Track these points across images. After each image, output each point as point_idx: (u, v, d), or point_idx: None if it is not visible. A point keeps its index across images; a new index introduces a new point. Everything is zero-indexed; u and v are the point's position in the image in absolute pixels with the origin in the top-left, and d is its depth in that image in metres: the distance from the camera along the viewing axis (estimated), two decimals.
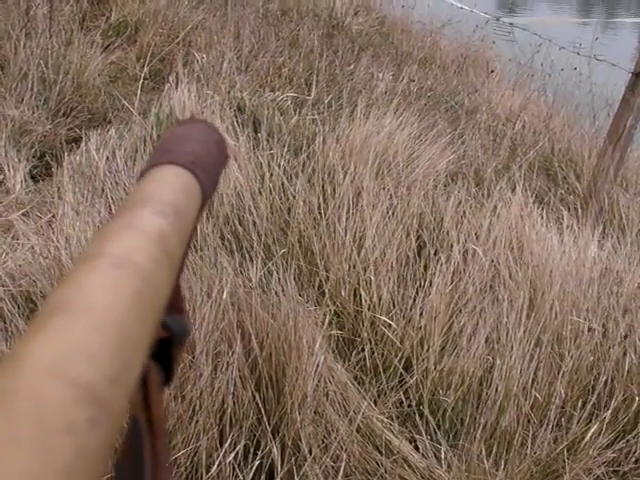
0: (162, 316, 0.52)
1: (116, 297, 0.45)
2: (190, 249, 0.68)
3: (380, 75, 6.88)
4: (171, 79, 5.45)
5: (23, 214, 3.90)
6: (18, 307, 3.09)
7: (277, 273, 3.39)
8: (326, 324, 3.37)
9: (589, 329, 3.60)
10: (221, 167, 0.76)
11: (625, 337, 3.62)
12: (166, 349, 0.64)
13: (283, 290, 3.23)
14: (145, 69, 5.74)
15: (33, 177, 4.46)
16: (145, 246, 0.52)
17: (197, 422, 2.66)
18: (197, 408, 2.69)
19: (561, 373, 3.38)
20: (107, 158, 4.48)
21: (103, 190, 4.17)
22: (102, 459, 0.38)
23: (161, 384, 0.63)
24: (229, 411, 2.75)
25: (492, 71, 8.31)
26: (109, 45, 6.37)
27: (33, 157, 4.60)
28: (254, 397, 2.85)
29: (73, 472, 0.35)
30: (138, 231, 0.53)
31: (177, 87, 5.30)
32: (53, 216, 3.86)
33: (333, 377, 3.11)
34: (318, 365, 2.99)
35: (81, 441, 0.36)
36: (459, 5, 8.77)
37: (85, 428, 0.37)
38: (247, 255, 3.71)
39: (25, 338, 0.41)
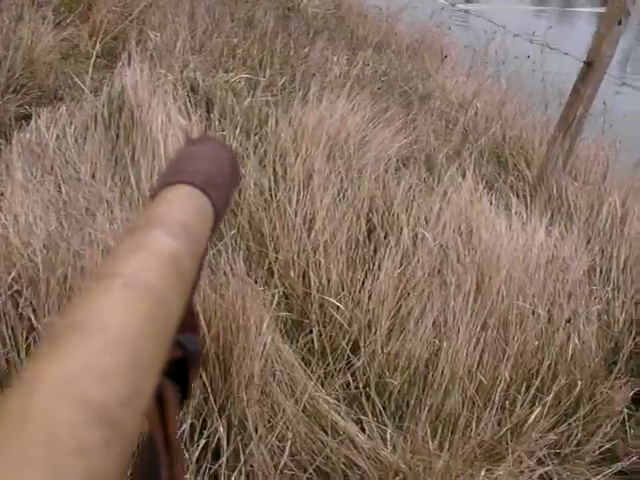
0: (174, 336, 0.52)
1: (128, 318, 0.46)
2: (203, 269, 0.68)
3: (335, 59, 6.87)
4: (124, 57, 5.41)
5: None
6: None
7: (226, 253, 3.39)
8: (274, 305, 3.38)
9: (533, 313, 3.65)
10: (234, 186, 0.77)
11: (568, 321, 3.67)
12: (181, 368, 0.65)
13: (232, 270, 3.23)
14: (97, 47, 5.68)
15: None
16: (157, 267, 0.52)
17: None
18: None
19: (506, 357, 3.42)
20: (57, 136, 4.44)
21: (52, 168, 4.13)
22: (114, 479, 0.38)
23: (177, 403, 0.64)
24: None
25: (445, 56, 8.33)
26: (61, 21, 6.29)
27: None
28: (201, 376, 2.85)
29: None
30: (150, 252, 0.53)
31: (130, 65, 5.25)
32: (2, 194, 3.82)
33: (280, 357, 3.13)
34: (265, 345, 3.00)
35: (93, 462, 0.36)
36: None
37: (97, 449, 0.37)
38: None
39: (38, 358, 0.41)
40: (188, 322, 0.63)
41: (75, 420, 0.37)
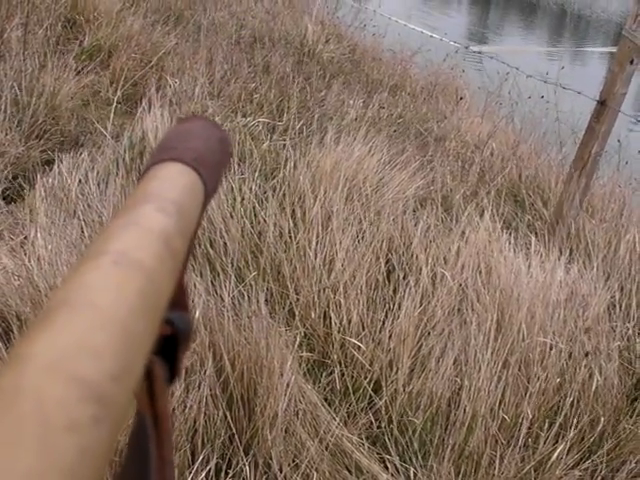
0: (165, 313, 0.52)
1: (119, 294, 0.46)
2: (194, 246, 0.69)
3: (351, 102, 6.93)
4: (144, 103, 5.48)
5: None
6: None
7: (248, 295, 3.42)
8: (296, 346, 3.40)
9: (551, 348, 3.66)
10: (224, 164, 0.76)
11: (587, 355, 3.68)
12: (171, 346, 0.64)
13: (255, 311, 3.26)
14: (118, 93, 5.77)
15: (5, 199, 4.45)
16: (148, 243, 0.52)
17: (173, 428, 2.68)
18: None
19: (528, 394, 3.43)
20: (79, 181, 4.50)
21: (75, 212, 4.18)
22: (105, 456, 0.38)
23: (166, 380, 0.63)
24: (201, 429, 2.77)
25: (461, 98, 8.40)
26: (82, 69, 6.36)
27: (5, 179, 4.58)
28: (225, 416, 2.87)
29: (76, 470, 0.36)
30: (141, 228, 0.53)
31: (150, 111, 5.32)
32: (25, 237, 3.87)
33: (303, 397, 3.14)
34: (289, 385, 3.02)
35: (84, 439, 0.37)
36: (429, 34, 8.85)
37: (88, 426, 0.37)
38: (219, 276, 3.73)
39: (28, 335, 0.41)
40: (178, 299, 0.64)
41: (66, 396, 0.37)
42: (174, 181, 0.63)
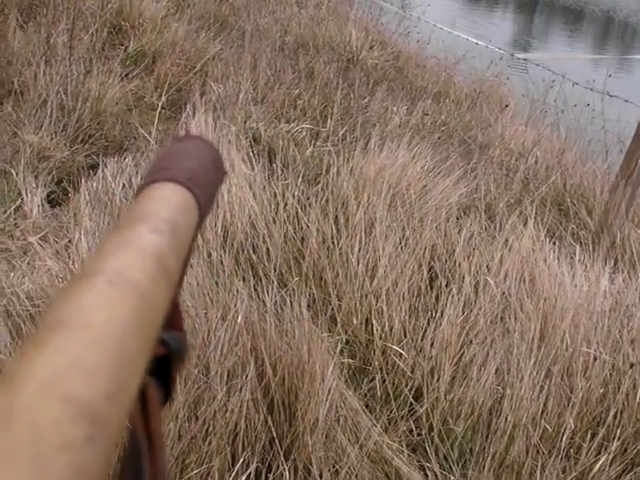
0: (159, 333, 0.52)
1: (113, 314, 0.46)
2: (188, 267, 0.68)
3: (394, 108, 6.93)
4: (188, 108, 5.51)
5: (40, 238, 3.94)
6: (36, 327, 3.12)
7: (291, 300, 3.42)
8: (338, 352, 3.40)
9: (595, 359, 3.62)
10: (218, 184, 0.77)
11: (631, 366, 3.64)
12: (165, 366, 0.65)
13: (297, 317, 3.26)
14: (162, 98, 5.80)
15: (50, 202, 4.50)
16: (142, 263, 0.52)
17: (210, 443, 2.69)
18: (210, 429, 2.72)
19: (571, 404, 3.40)
20: (123, 185, 4.53)
21: (119, 217, 4.21)
22: (99, 476, 0.38)
23: (160, 401, 0.64)
24: (241, 433, 2.78)
25: (506, 106, 8.36)
26: (127, 74, 6.41)
27: (51, 182, 4.63)
28: (266, 420, 2.87)
29: None
30: (135, 248, 0.53)
31: (194, 116, 5.35)
32: (69, 240, 3.90)
33: (344, 403, 3.14)
34: (330, 390, 3.01)
35: (78, 458, 0.37)
36: (474, 41, 8.82)
37: (82, 445, 0.37)
38: (261, 282, 3.74)
39: (22, 355, 0.41)
40: (173, 320, 0.64)
41: (60, 416, 0.37)
42: (168, 201, 0.64)
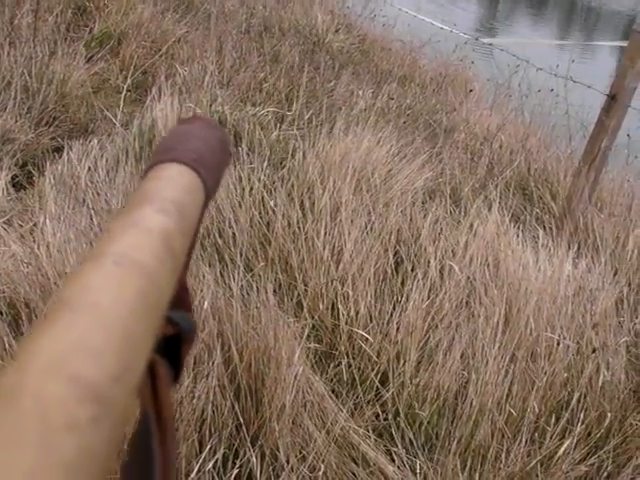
0: (166, 313, 0.53)
1: (120, 295, 0.46)
2: (195, 247, 0.69)
3: (360, 92, 6.92)
4: (154, 91, 5.48)
5: (4, 222, 3.91)
6: (1, 313, 3.10)
7: (257, 285, 3.42)
8: (304, 337, 3.40)
9: (558, 344, 3.65)
10: (224, 165, 0.77)
11: (594, 351, 3.67)
12: (174, 345, 0.65)
13: (263, 302, 3.26)
14: (128, 81, 5.77)
15: (15, 185, 4.46)
16: (149, 244, 0.52)
17: (177, 429, 2.69)
18: (177, 415, 2.71)
19: (535, 388, 3.42)
20: (89, 168, 4.50)
21: (84, 200, 4.18)
22: (105, 456, 0.39)
23: (170, 380, 0.64)
24: (208, 419, 2.78)
25: (470, 90, 8.39)
26: (92, 56, 6.36)
27: (15, 165, 4.59)
28: (233, 406, 2.87)
29: (76, 469, 0.36)
30: (142, 229, 0.54)
31: (159, 99, 5.32)
32: (34, 224, 3.87)
33: (311, 388, 3.14)
34: (296, 376, 3.02)
35: (84, 439, 0.37)
36: (439, 25, 8.83)
37: (88, 426, 0.38)
38: (227, 267, 3.73)
39: (31, 336, 0.42)
40: (181, 299, 0.64)
41: (66, 396, 0.38)
42: (174, 182, 0.64)
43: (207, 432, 2.77)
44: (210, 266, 3.70)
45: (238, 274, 3.49)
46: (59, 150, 4.87)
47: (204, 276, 3.41)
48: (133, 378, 0.44)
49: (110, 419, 0.39)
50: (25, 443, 0.35)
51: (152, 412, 0.62)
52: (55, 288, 3.13)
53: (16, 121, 4.98)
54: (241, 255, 3.81)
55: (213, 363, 2.90)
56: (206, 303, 3.11)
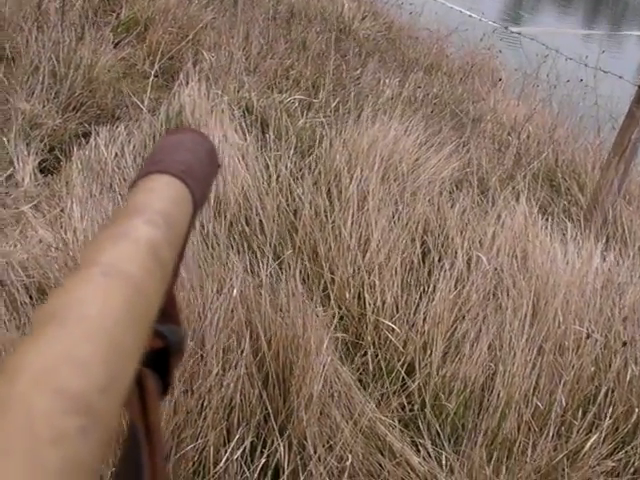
0: (154, 325, 0.53)
1: (107, 306, 0.46)
2: (183, 259, 0.68)
3: (387, 80, 6.90)
4: (181, 77, 5.47)
5: (32, 207, 3.92)
6: (30, 297, 3.11)
7: (286, 274, 3.41)
8: (332, 327, 3.40)
9: (588, 336, 3.63)
10: (212, 176, 0.77)
11: (624, 344, 3.65)
12: (163, 359, 0.65)
13: (292, 291, 3.25)
14: (155, 66, 5.77)
15: (42, 170, 4.47)
16: (136, 255, 0.52)
17: (205, 417, 2.69)
18: (206, 403, 2.71)
19: (562, 382, 3.40)
20: (115, 154, 4.50)
21: (111, 185, 4.19)
22: (93, 467, 0.39)
23: (159, 393, 0.64)
24: (237, 408, 2.78)
25: (499, 80, 8.34)
26: (119, 41, 6.37)
27: (42, 151, 4.60)
28: (261, 395, 2.87)
29: None
30: (129, 240, 0.54)
31: (187, 85, 5.32)
32: (62, 210, 3.88)
33: (339, 378, 3.14)
34: (324, 366, 3.01)
35: (71, 451, 0.37)
36: (468, 13, 8.78)
37: (75, 438, 0.37)
38: (255, 255, 3.73)
39: (19, 348, 0.41)
40: (169, 312, 0.64)
41: (53, 408, 0.38)
42: (162, 193, 0.64)
43: (235, 421, 2.77)
44: (238, 253, 3.69)
45: (267, 262, 3.48)
46: (86, 135, 4.88)
47: (233, 264, 3.41)
48: (121, 389, 0.44)
49: (97, 430, 0.39)
50: (12, 455, 0.35)
51: (141, 425, 0.62)
52: None
53: (44, 106, 4.99)
54: (270, 244, 3.80)
55: (242, 352, 2.90)
56: (235, 291, 3.11)
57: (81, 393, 0.39)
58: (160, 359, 0.64)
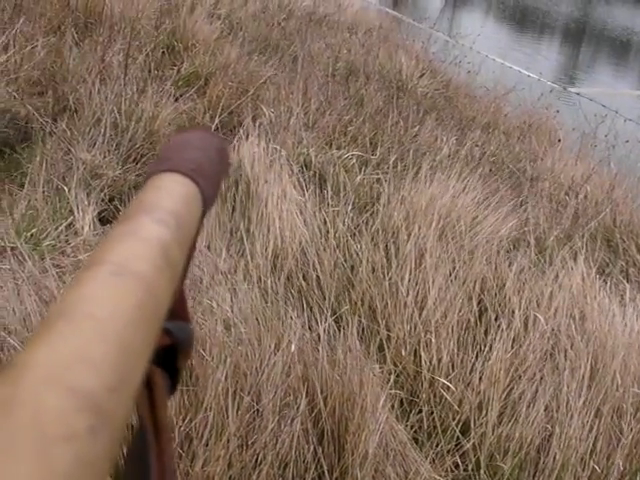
0: (163, 323, 0.52)
1: (117, 305, 0.46)
2: (193, 257, 0.68)
3: (444, 138, 6.92)
4: (240, 131, 5.53)
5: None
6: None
7: (343, 330, 3.41)
8: (388, 385, 3.39)
9: None
10: (222, 174, 0.77)
11: None
12: (171, 356, 0.66)
13: (349, 347, 3.25)
14: (215, 120, 5.84)
15: (101, 220, 4.52)
16: (146, 254, 0.52)
17: (260, 473, 2.68)
18: (261, 458, 2.71)
19: (620, 445, 3.36)
20: None
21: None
22: (103, 466, 0.39)
23: (167, 390, 0.65)
24: (291, 464, 2.77)
25: (559, 140, 8.33)
26: (180, 95, 6.46)
27: (102, 200, 4.66)
28: (316, 452, 2.86)
29: (73, 479, 0.36)
30: (139, 239, 0.54)
31: (246, 139, 5.37)
32: None
33: (394, 436, 3.12)
34: (380, 423, 3.00)
35: (81, 449, 0.37)
36: (526, 73, 8.81)
37: (85, 436, 0.38)
38: (312, 310, 3.73)
39: (28, 346, 0.42)
40: (178, 310, 0.64)
41: (63, 406, 0.38)
42: (172, 192, 0.64)
43: (290, 477, 2.76)
44: (296, 309, 3.70)
45: (325, 319, 3.49)
46: None
47: (291, 319, 3.42)
48: (130, 388, 0.44)
49: (107, 429, 0.39)
50: (23, 454, 0.35)
51: (149, 423, 0.62)
52: None
53: (105, 157, 5.06)
54: (328, 300, 3.80)
55: (298, 408, 2.89)
56: (292, 347, 3.12)
57: (91, 392, 0.40)
58: (168, 356, 0.65)
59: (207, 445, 2.66)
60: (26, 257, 3.50)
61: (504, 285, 4.32)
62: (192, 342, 0.70)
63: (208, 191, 0.68)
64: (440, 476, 3.13)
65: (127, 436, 0.59)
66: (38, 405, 0.38)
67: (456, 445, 3.36)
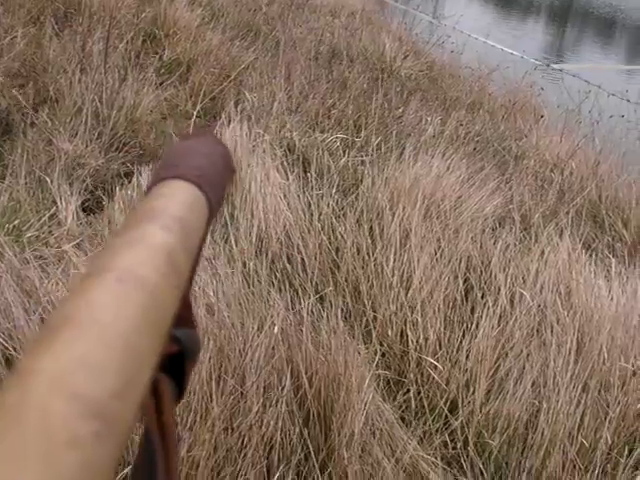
0: (169, 330, 0.52)
1: (122, 311, 0.46)
2: (199, 264, 0.68)
3: (428, 119, 6.91)
4: (223, 117, 5.52)
5: (75, 246, 3.94)
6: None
7: (327, 311, 3.41)
8: (374, 364, 3.39)
9: (634, 373, 3.59)
10: (227, 180, 0.76)
11: None
12: (178, 363, 0.65)
13: (333, 328, 3.24)
14: (197, 107, 5.82)
15: (85, 210, 4.50)
16: (151, 260, 0.52)
17: (246, 455, 2.68)
18: (246, 441, 2.71)
19: (608, 419, 3.36)
20: None
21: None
22: (108, 471, 0.39)
23: (173, 398, 0.64)
24: (277, 446, 2.77)
25: (541, 116, 8.32)
26: (162, 83, 6.45)
27: (85, 190, 4.64)
28: (302, 433, 2.86)
29: None
30: (145, 246, 0.53)
31: (228, 125, 5.36)
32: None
33: (380, 416, 3.12)
34: (366, 403, 3.00)
35: (86, 455, 0.37)
36: (509, 51, 8.80)
37: (90, 442, 0.38)
38: (297, 293, 3.73)
39: (32, 352, 0.42)
40: (184, 317, 0.64)
41: (68, 412, 0.38)
42: (177, 198, 0.63)
43: (276, 459, 2.76)
44: (280, 291, 3.69)
45: (308, 299, 3.48)
46: (128, 175, 4.92)
47: (275, 301, 3.41)
48: (136, 394, 0.44)
49: (112, 435, 0.40)
50: (28, 459, 0.35)
51: (156, 430, 0.62)
52: None
53: (87, 146, 5.04)
54: (311, 282, 3.80)
55: (283, 389, 2.89)
56: (276, 329, 3.11)
57: (96, 398, 0.40)
58: (175, 364, 0.65)
59: (192, 429, 2.65)
60: (6, 249, 3.47)
61: (490, 263, 4.32)
62: (199, 349, 0.70)
63: (214, 198, 0.68)
64: (428, 455, 3.13)
65: (134, 442, 0.59)
66: (44, 411, 0.38)
67: (444, 424, 3.36)
